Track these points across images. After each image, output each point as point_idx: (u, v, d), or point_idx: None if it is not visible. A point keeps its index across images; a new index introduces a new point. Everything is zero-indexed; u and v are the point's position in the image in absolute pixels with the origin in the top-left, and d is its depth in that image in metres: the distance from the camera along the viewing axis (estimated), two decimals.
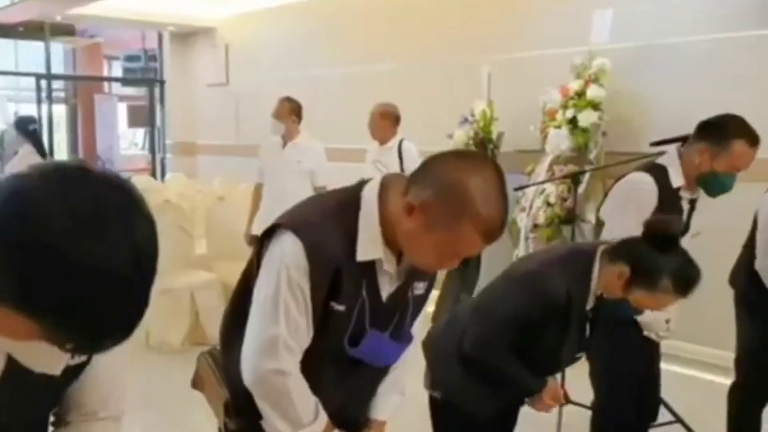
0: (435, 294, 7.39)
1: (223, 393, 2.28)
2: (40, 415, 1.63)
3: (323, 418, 2.17)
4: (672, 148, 3.62)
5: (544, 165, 6.71)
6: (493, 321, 2.82)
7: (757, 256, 3.85)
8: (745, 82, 6.07)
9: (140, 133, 17.64)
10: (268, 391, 2.09)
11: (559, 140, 6.57)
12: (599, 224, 3.71)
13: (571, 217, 5.88)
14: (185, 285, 6.82)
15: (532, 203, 6.75)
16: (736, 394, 4.19)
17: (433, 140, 6.53)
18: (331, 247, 2.00)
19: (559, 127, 6.61)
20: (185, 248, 7.16)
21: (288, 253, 1.99)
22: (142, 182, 10.29)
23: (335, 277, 2.01)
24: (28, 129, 7.40)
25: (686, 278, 2.68)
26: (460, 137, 7.21)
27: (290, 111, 6.62)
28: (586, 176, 6.26)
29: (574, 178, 5.20)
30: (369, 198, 2.06)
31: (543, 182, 6.48)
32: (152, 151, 13.86)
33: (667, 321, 3.67)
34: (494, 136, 7.22)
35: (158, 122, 13.71)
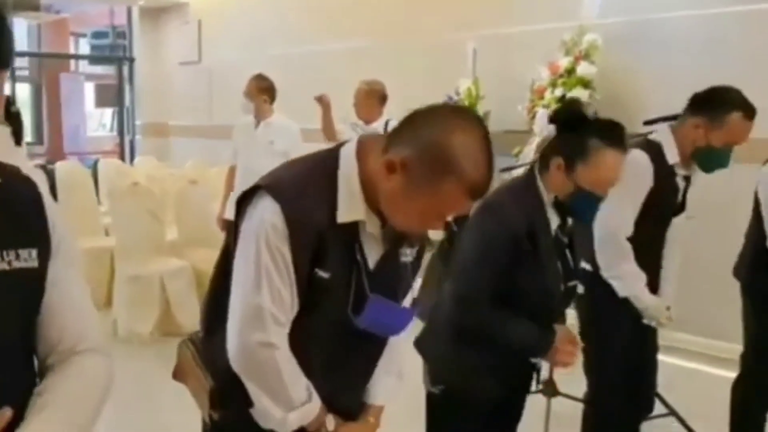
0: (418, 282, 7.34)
1: (208, 382, 2.22)
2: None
3: (317, 401, 2.14)
4: (664, 124, 3.60)
5: (532, 146, 6.65)
6: (465, 270, 2.81)
7: (767, 231, 3.82)
8: (746, 58, 6.03)
9: (108, 114, 17.51)
10: (256, 367, 2.05)
11: (548, 120, 6.51)
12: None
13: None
14: (155, 272, 6.75)
15: None
16: (741, 388, 4.15)
17: None
18: (310, 209, 1.97)
19: (547, 106, 6.56)
20: (155, 234, 7.10)
21: (266, 217, 1.96)
22: (110, 165, 10.21)
23: (318, 241, 1.98)
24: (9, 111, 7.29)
25: (609, 128, 2.74)
26: None
27: (260, 90, 6.56)
28: None
29: None
30: (347, 157, 2.03)
31: (529, 164, 6.41)
32: (121, 132, 13.74)
33: (668, 308, 3.64)
34: (480, 115, 7.15)
35: (127, 102, 13.58)
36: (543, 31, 7.11)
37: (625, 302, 3.57)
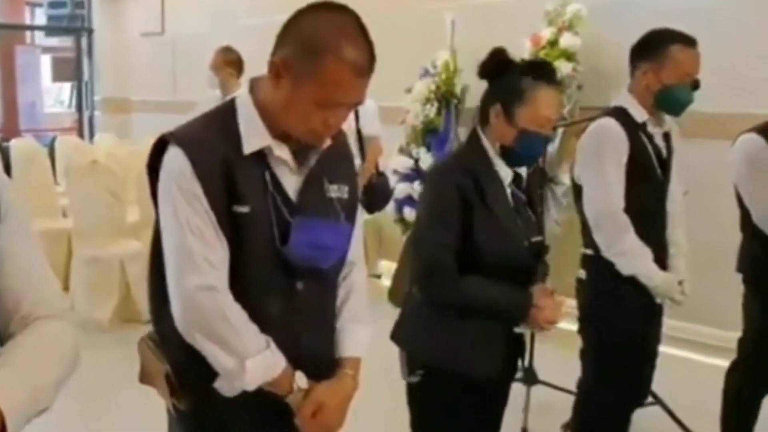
0: (391, 267, 7.36)
1: (164, 367, 2.23)
2: None
3: (279, 356, 2.15)
4: (622, 88, 3.64)
5: None
6: (423, 239, 2.88)
7: (750, 209, 3.85)
8: (734, 30, 6.03)
9: (66, 89, 17.35)
10: (200, 314, 2.08)
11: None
12: (576, 189, 3.67)
13: (542, 179, 5.82)
14: (114, 255, 6.74)
15: None
16: (735, 374, 4.17)
17: (389, 95, 6.43)
18: (214, 147, 2.07)
19: None
20: (115, 215, 7.04)
21: (173, 165, 2.06)
22: (68, 143, 10.13)
23: (228, 176, 2.06)
24: None
25: (538, 66, 2.90)
26: (420, 91, 7.15)
27: (226, 62, 6.54)
28: (559, 134, 6.22)
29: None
30: (242, 96, 2.18)
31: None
32: (79, 108, 13.56)
33: (680, 282, 3.63)
34: (458, 89, 7.16)
35: (86, 76, 13.41)
36: (525, 1, 7.09)
37: (630, 287, 3.54)
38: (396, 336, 3.03)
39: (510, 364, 3.07)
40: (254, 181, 2.11)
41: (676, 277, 3.65)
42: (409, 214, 7.12)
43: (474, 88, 7.14)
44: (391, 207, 7.16)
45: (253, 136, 2.11)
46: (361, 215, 6.31)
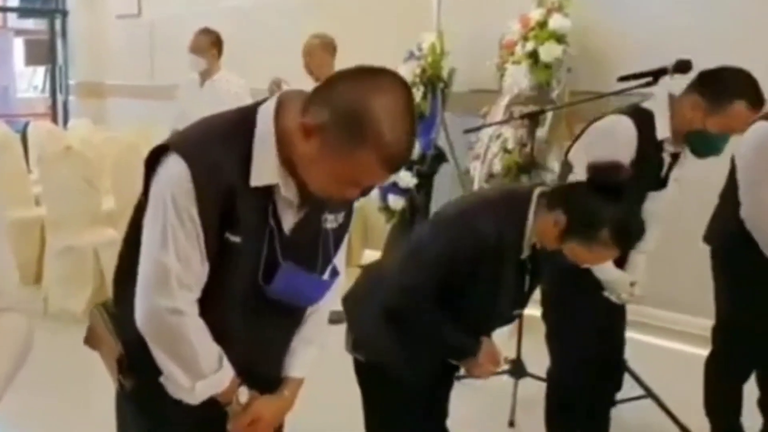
0: (375, 256, 7.35)
1: (117, 347, 2.26)
2: None
3: (228, 371, 2.19)
4: (663, 92, 3.55)
5: (501, 105, 6.64)
6: (419, 263, 2.85)
7: (742, 201, 3.81)
8: (728, 12, 6.02)
9: (40, 73, 17.28)
10: (163, 333, 2.10)
11: (518, 77, 6.50)
12: (565, 168, 3.66)
13: (531, 165, 5.83)
14: (89, 243, 6.71)
15: (488, 150, 6.68)
16: (713, 365, 4.17)
17: None
18: (220, 169, 1.99)
19: (518, 62, 6.53)
20: (90, 202, 6.98)
21: (173, 177, 1.99)
22: (41, 129, 10.07)
23: (228, 203, 2.01)
24: None
25: (626, 230, 2.70)
26: (406, 75, 7.10)
27: (210, 44, 6.53)
28: (548, 118, 6.21)
29: (534, 120, 5.13)
30: (265, 117, 2.05)
31: (496, 123, 6.39)
32: (53, 92, 13.50)
33: (632, 284, 3.64)
34: (445, 73, 7.13)
35: (60, 60, 13.34)
36: None
37: (589, 270, 3.56)
38: (347, 307, 3.08)
39: (446, 372, 3.16)
40: (252, 213, 2.06)
41: (630, 277, 3.68)
42: (394, 201, 7.10)
43: (461, 71, 7.15)
44: (375, 194, 7.15)
45: (264, 169, 2.03)
46: None
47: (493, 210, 2.82)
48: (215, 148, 2.02)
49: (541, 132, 6.15)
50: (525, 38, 6.54)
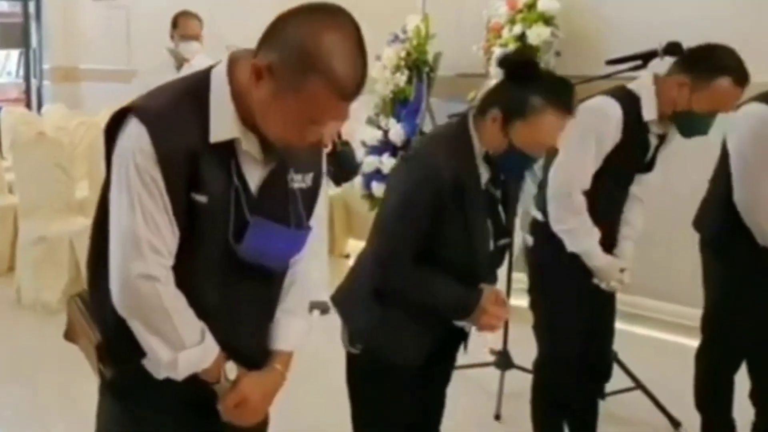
0: (360, 246, 7.33)
1: (95, 336, 2.25)
2: None
3: (212, 346, 2.19)
4: (648, 74, 3.56)
5: (488, 90, 6.61)
6: (387, 230, 2.86)
7: (736, 189, 3.78)
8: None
9: (13, 57, 17.18)
10: (138, 303, 2.09)
11: (497, 63, 6.46)
12: (550, 154, 3.64)
13: None
14: (63, 232, 6.67)
15: None
16: (704, 356, 4.16)
17: None
18: (180, 129, 2.03)
19: (505, 45, 6.49)
20: (64, 190, 6.98)
21: (133, 141, 2.02)
22: (14, 115, 10.01)
23: (191, 164, 2.04)
24: None
25: (557, 88, 2.73)
26: (390, 58, 7.09)
27: (201, 27, 6.61)
28: None
29: None
30: (218, 74, 2.11)
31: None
32: (27, 77, 13.43)
33: (622, 270, 3.64)
34: (430, 57, 7.10)
35: (34, 43, 13.25)
36: None
37: (580, 259, 3.57)
38: (337, 303, 3.07)
39: (447, 350, 3.13)
40: (216, 171, 2.08)
41: (620, 264, 3.68)
42: (378, 189, 7.07)
43: (447, 55, 7.12)
44: (358, 181, 7.14)
45: (223, 125, 2.07)
46: (325, 192, 6.35)
47: (435, 143, 2.90)
48: (173, 110, 2.05)
49: None
50: (512, 21, 6.52)
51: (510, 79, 2.77)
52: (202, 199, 2.07)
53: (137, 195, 2.02)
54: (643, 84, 3.52)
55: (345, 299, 3.06)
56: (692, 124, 3.46)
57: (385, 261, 2.83)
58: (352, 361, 3.04)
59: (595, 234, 3.54)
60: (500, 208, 2.94)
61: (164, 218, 2.05)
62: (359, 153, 6.93)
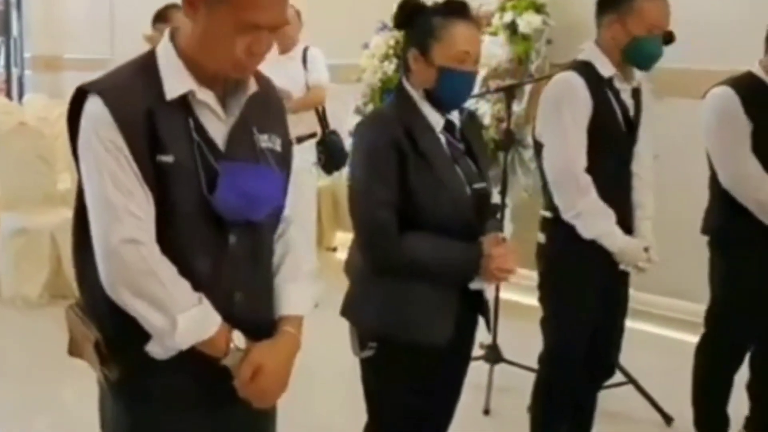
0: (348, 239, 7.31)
1: (93, 334, 2.21)
2: None
3: (212, 314, 2.16)
4: (588, 42, 3.62)
5: (478, 79, 6.60)
6: (359, 199, 2.89)
7: (718, 171, 3.84)
8: None
9: None
10: (124, 269, 2.08)
11: (495, 49, 6.47)
12: (537, 147, 3.66)
13: (509, 142, 5.80)
14: (45, 225, 6.64)
15: None
16: (704, 351, 4.16)
17: (345, 50, 6.40)
18: (135, 94, 2.10)
19: (495, 33, 6.50)
20: (45, 181, 6.99)
21: (93, 115, 2.08)
22: None
23: (150, 125, 2.08)
24: None
25: (445, 2, 2.85)
26: (378, 46, 7.09)
27: None
28: (526, 92, 6.19)
29: (511, 94, 5.11)
30: (163, 42, 2.20)
31: (471, 97, 6.32)
32: (8, 66, 13.42)
33: (646, 249, 3.62)
34: None
35: (15, 32, 13.25)
36: None
37: (592, 251, 3.53)
38: (346, 311, 3.02)
39: (468, 326, 3.08)
40: (177, 129, 2.12)
41: (642, 243, 3.64)
42: None
43: None
44: (346, 173, 7.11)
45: (176, 81, 2.13)
46: (314, 179, 6.26)
47: (379, 108, 3.10)
48: (126, 79, 2.14)
49: (519, 107, 6.13)
50: (503, 8, 6.53)
51: (407, 23, 2.90)
52: (168, 159, 2.09)
53: (105, 165, 2.05)
54: (588, 50, 3.59)
55: (349, 302, 3.02)
56: (641, 51, 3.49)
57: (368, 228, 2.84)
58: (366, 366, 3.01)
59: (610, 215, 3.50)
60: (467, 158, 2.97)
61: (135, 183, 2.07)
62: (347, 143, 6.92)
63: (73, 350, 2.34)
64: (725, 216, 3.91)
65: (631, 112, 3.59)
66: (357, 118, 7.21)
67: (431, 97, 2.87)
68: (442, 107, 2.89)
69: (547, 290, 3.77)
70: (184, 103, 2.14)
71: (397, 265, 2.82)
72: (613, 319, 3.82)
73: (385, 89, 7.14)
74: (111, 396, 2.29)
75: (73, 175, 7.25)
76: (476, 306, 3.06)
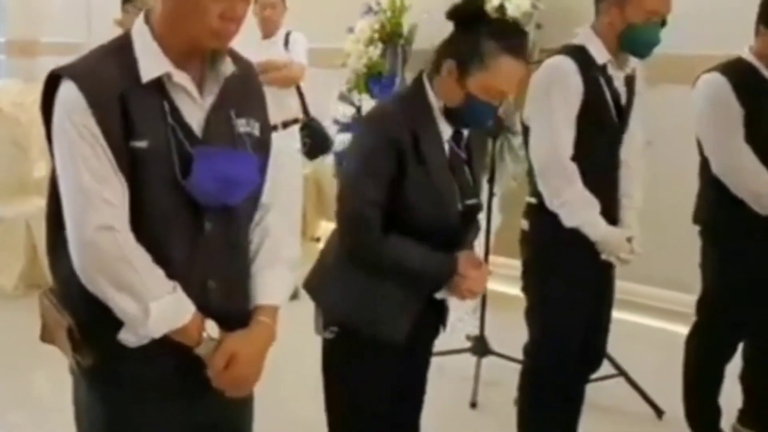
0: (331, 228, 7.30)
1: (66, 321, 2.24)
2: None
3: (186, 302, 2.19)
4: (584, 27, 3.61)
5: None
6: (349, 188, 2.90)
7: (710, 158, 3.85)
8: None
9: None
10: (98, 256, 2.10)
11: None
12: (525, 131, 3.65)
13: (497, 128, 5.79)
14: (19, 214, 6.65)
15: None
16: (696, 341, 4.17)
17: (329, 35, 6.38)
18: (109, 77, 2.10)
19: None
20: (20, 170, 6.98)
21: (66, 99, 2.09)
22: None
23: (123, 108, 2.09)
24: None
25: (509, 32, 2.80)
26: (363, 30, 7.06)
27: None
28: None
29: None
30: (137, 25, 2.21)
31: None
32: None
33: (629, 239, 3.62)
34: (405, 29, 7.08)
35: None
36: None
37: (577, 239, 3.54)
38: (310, 287, 3.06)
39: (426, 329, 3.12)
40: (152, 113, 2.13)
41: (625, 233, 3.65)
42: None
43: (422, 27, 7.08)
44: (330, 160, 7.11)
45: (151, 62, 2.14)
46: (299, 166, 6.24)
47: (392, 103, 2.96)
48: (100, 62, 2.15)
49: None
50: None
51: (460, 28, 2.82)
52: (141, 144, 2.11)
53: (79, 151, 2.06)
54: (583, 35, 3.58)
55: (317, 281, 3.05)
56: (638, 37, 3.48)
57: (352, 222, 2.85)
58: (327, 347, 3.03)
59: (594, 205, 3.50)
60: (466, 169, 2.97)
61: (108, 169, 2.08)
62: (331, 130, 6.92)
63: (46, 336, 2.36)
64: (717, 205, 3.92)
65: (623, 100, 3.59)
66: (341, 105, 7.21)
67: (449, 114, 2.85)
68: (456, 125, 2.88)
69: (531, 279, 3.78)
70: (160, 85, 2.15)
71: (375, 263, 2.85)
72: (600, 309, 3.83)
73: (370, 75, 7.12)
74: (84, 384, 2.32)
75: (49, 164, 7.24)
76: (436, 313, 3.11)
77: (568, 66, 3.46)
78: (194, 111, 2.20)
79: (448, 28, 6.50)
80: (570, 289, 3.62)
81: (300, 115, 6.35)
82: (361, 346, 2.92)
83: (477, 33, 2.75)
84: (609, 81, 3.53)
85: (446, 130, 2.87)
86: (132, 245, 2.11)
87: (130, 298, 2.10)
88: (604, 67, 3.51)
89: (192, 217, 2.20)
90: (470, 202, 2.96)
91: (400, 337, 2.91)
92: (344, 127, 7.18)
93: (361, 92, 7.17)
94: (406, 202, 2.79)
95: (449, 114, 2.84)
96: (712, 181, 3.87)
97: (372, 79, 7.15)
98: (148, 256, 2.14)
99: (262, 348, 2.33)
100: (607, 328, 3.96)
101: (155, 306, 2.11)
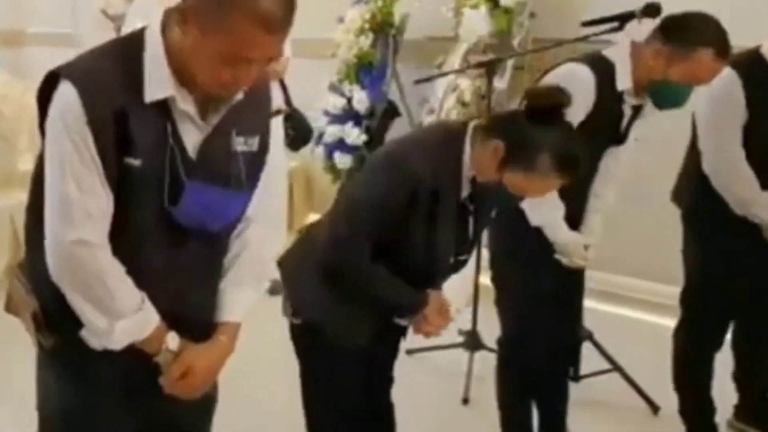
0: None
1: (33, 304, 2.29)
2: None
3: (152, 315, 2.24)
4: (625, 41, 3.52)
5: (458, 55, 6.58)
6: (351, 215, 2.89)
7: (703, 154, 3.81)
8: None
9: None
10: (73, 269, 2.15)
11: (476, 23, 6.43)
12: None
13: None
14: (4, 208, 6.61)
15: (443, 103, 6.63)
16: (682, 334, 4.17)
17: (317, 24, 6.32)
18: (111, 89, 2.07)
19: (476, 6, 6.46)
20: (6, 162, 7.00)
21: (64, 103, 2.07)
22: None
23: (123, 124, 2.08)
24: None
25: (567, 154, 2.73)
26: (354, 20, 7.03)
27: None
28: (508, 67, 6.16)
29: (492, 69, 5.08)
30: (152, 32, 2.14)
31: (450, 72, 6.32)
32: None
33: (587, 247, 3.64)
34: (397, 18, 7.03)
35: None
36: None
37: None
38: (286, 271, 3.10)
39: (390, 340, 3.23)
40: (152, 134, 2.12)
41: (586, 239, 3.68)
42: (341, 160, 7.02)
43: (414, 17, 7.07)
44: (320, 152, 7.09)
45: (157, 83, 2.11)
46: (285, 163, 6.22)
47: (424, 148, 2.85)
48: (105, 70, 2.10)
49: (501, 83, 6.10)
50: None
51: (530, 119, 2.74)
52: (135, 162, 2.11)
53: (69, 159, 2.07)
54: (618, 51, 3.49)
55: (292, 267, 3.09)
56: (667, 95, 3.45)
57: (342, 244, 2.86)
58: (294, 331, 3.09)
59: (560, 207, 3.51)
60: (471, 219, 2.98)
61: (96, 181, 2.09)
62: (321, 121, 6.91)
63: (11, 308, 2.44)
64: (702, 193, 3.87)
65: (624, 124, 3.57)
66: (332, 96, 7.18)
67: (474, 186, 2.86)
68: (478, 199, 2.92)
69: (500, 265, 3.77)
70: (164, 106, 2.13)
71: (355, 283, 2.89)
72: (571, 299, 3.84)
73: (361, 65, 7.09)
74: (45, 363, 2.39)
75: (36, 155, 7.23)
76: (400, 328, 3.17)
77: (587, 80, 3.41)
78: (194, 133, 2.20)
79: (440, 17, 6.53)
80: (539, 280, 3.63)
81: (283, 107, 6.33)
82: (324, 341, 2.97)
83: (542, 141, 2.69)
84: (619, 103, 3.50)
85: (465, 190, 2.86)
86: (107, 261, 2.16)
87: (99, 313, 2.17)
88: (620, 93, 3.47)
89: (175, 232, 2.23)
90: (462, 257, 3.01)
91: (354, 346, 2.98)
92: (334, 119, 7.15)
93: (351, 83, 7.13)
94: (402, 238, 2.82)
95: (475, 186, 2.86)
96: (700, 172, 3.84)
97: (363, 69, 7.11)
98: (122, 269, 2.19)
99: (218, 362, 2.43)
100: (579, 319, 3.97)
101: (121, 324, 2.18)
